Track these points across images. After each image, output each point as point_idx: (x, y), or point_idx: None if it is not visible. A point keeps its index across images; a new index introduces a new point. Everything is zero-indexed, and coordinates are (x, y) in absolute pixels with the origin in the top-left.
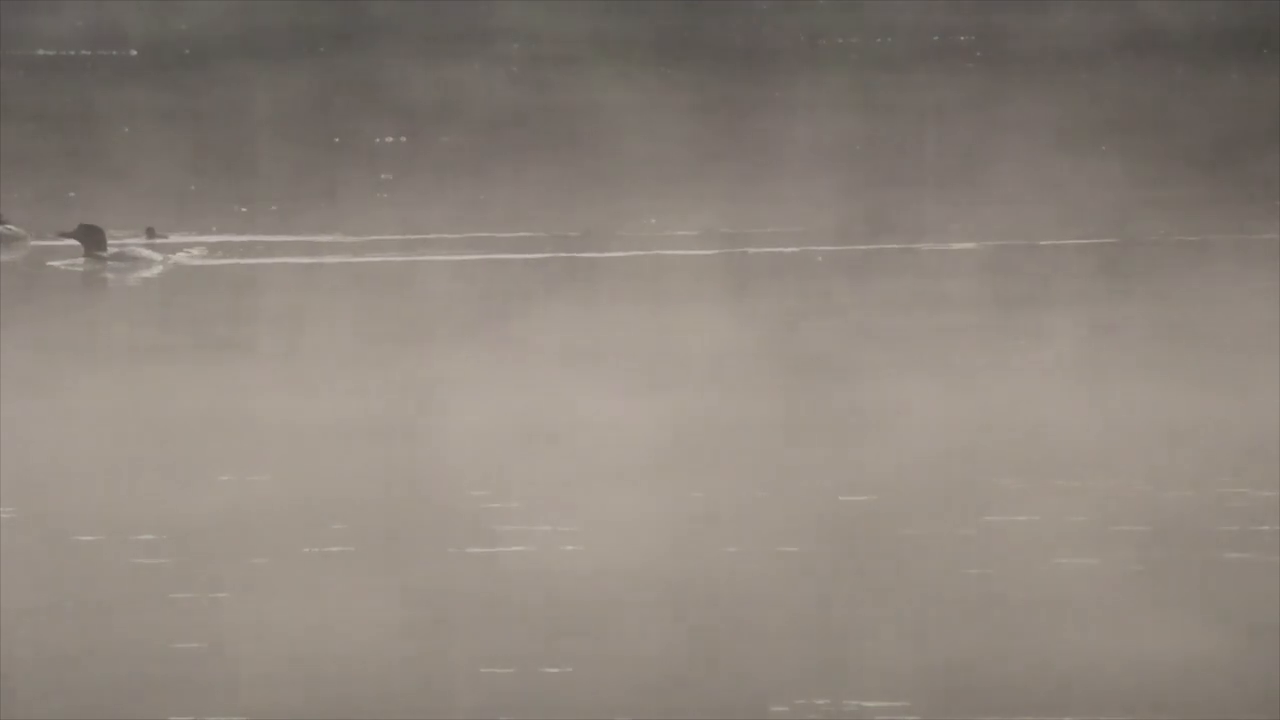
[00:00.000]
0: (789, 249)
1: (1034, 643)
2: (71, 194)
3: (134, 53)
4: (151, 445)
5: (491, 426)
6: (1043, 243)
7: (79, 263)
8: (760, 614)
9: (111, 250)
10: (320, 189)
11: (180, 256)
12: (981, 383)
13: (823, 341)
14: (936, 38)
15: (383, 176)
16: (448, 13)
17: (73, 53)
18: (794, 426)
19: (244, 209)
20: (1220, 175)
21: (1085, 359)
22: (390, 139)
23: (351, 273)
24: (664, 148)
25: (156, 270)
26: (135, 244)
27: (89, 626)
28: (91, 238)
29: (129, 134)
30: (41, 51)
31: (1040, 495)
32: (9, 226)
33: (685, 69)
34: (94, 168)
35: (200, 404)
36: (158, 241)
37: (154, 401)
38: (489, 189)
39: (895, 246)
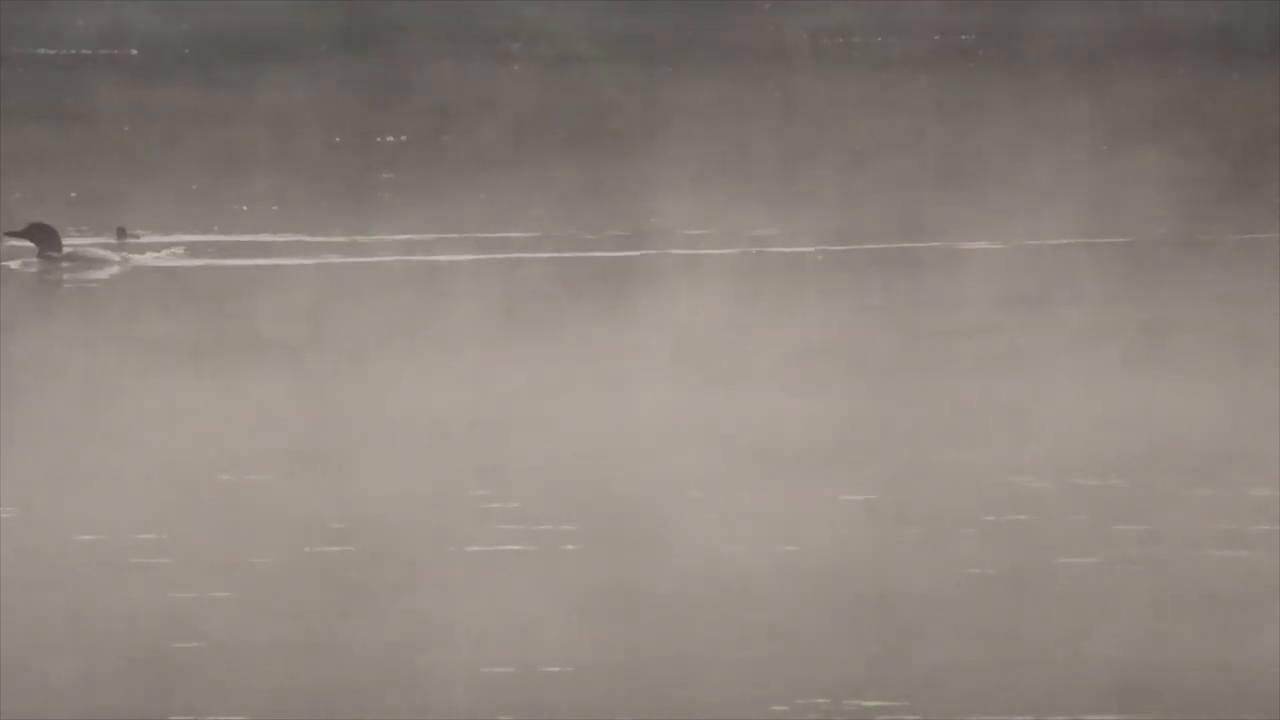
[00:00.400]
0: (807, 248)
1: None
2: (73, 194)
3: (134, 51)
4: (311, 442)
5: (627, 426)
6: (1073, 241)
7: (32, 263)
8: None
9: (66, 250)
10: (320, 189)
11: (144, 258)
12: (1088, 379)
13: (905, 338)
14: (938, 37)
15: (384, 175)
16: (450, 12)
17: (73, 51)
18: (931, 423)
19: (245, 208)
20: (1250, 173)
21: (1184, 357)
22: (391, 138)
23: (356, 272)
24: (678, 146)
25: (112, 271)
26: (90, 244)
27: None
28: (44, 237)
29: (129, 132)
30: (42, 50)
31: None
32: None
33: (691, 68)
34: (94, 166)
35: (316, 403)
36: (129, 241)
37: (278, 401)
38: (491, 187)
39: (921, 245)
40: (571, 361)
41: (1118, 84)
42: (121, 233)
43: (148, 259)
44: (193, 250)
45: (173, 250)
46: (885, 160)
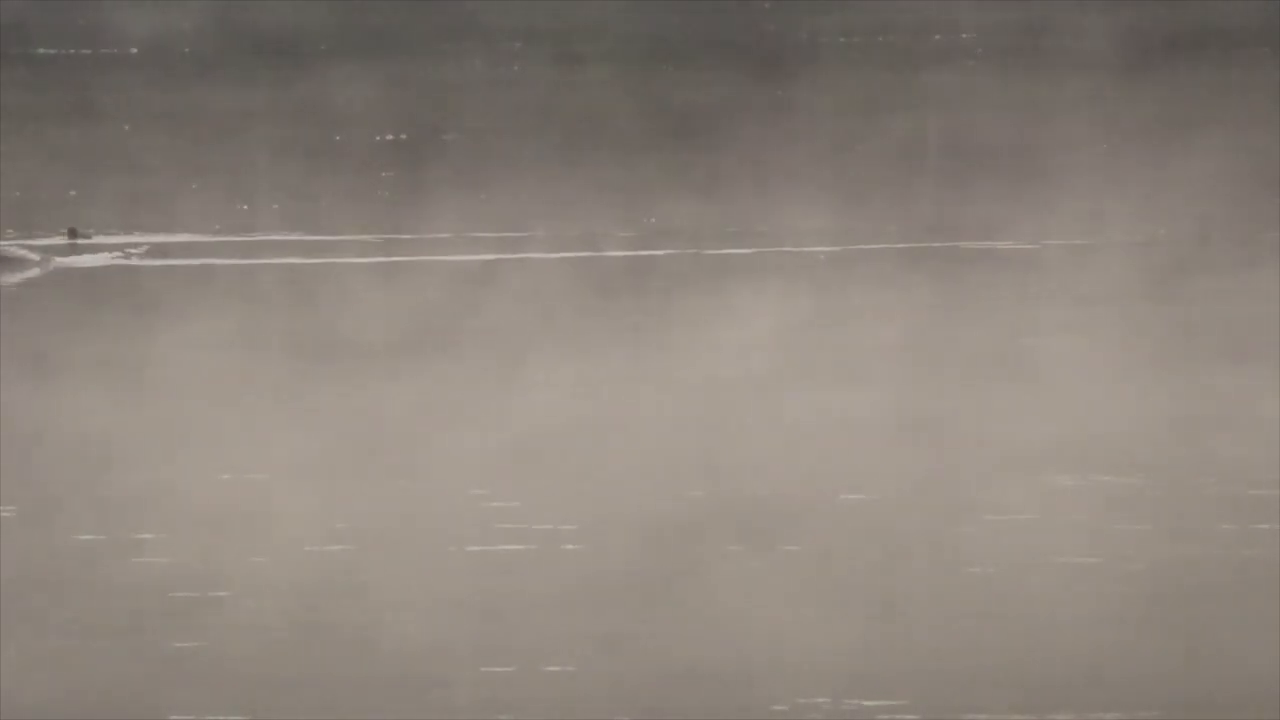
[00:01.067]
0: (830, 247)
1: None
2: (72, 192)
3: (134, 51)
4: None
5: (812, 420)
6: (1116, 240)
7: None
8: None
9: None
10: (318, 188)
11: (69, 259)
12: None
13: (996, 335)
14: (938, 36)
15: (383, 174)
16: (450, 12)
17: (73, 51)
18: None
19: (245, 206)
20: None
21: None
22: (391, 137)
23: (361, 272)
24: (732, 144)
25: (31, 274)
26: (9, 244)
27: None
28: None
29: (129, 132)
30: (42, 50)
31: None
32: None
33: (708, 68)
34: (95, 166)
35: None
36: (81, 242)
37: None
38: (489, 189)
39: (973, 244)
40: (716, 360)
41: (1125, 84)
42: (73, 233)
43: (74, 260)
44: (156, 250)
45: (128, 250)
46: (923, 158)
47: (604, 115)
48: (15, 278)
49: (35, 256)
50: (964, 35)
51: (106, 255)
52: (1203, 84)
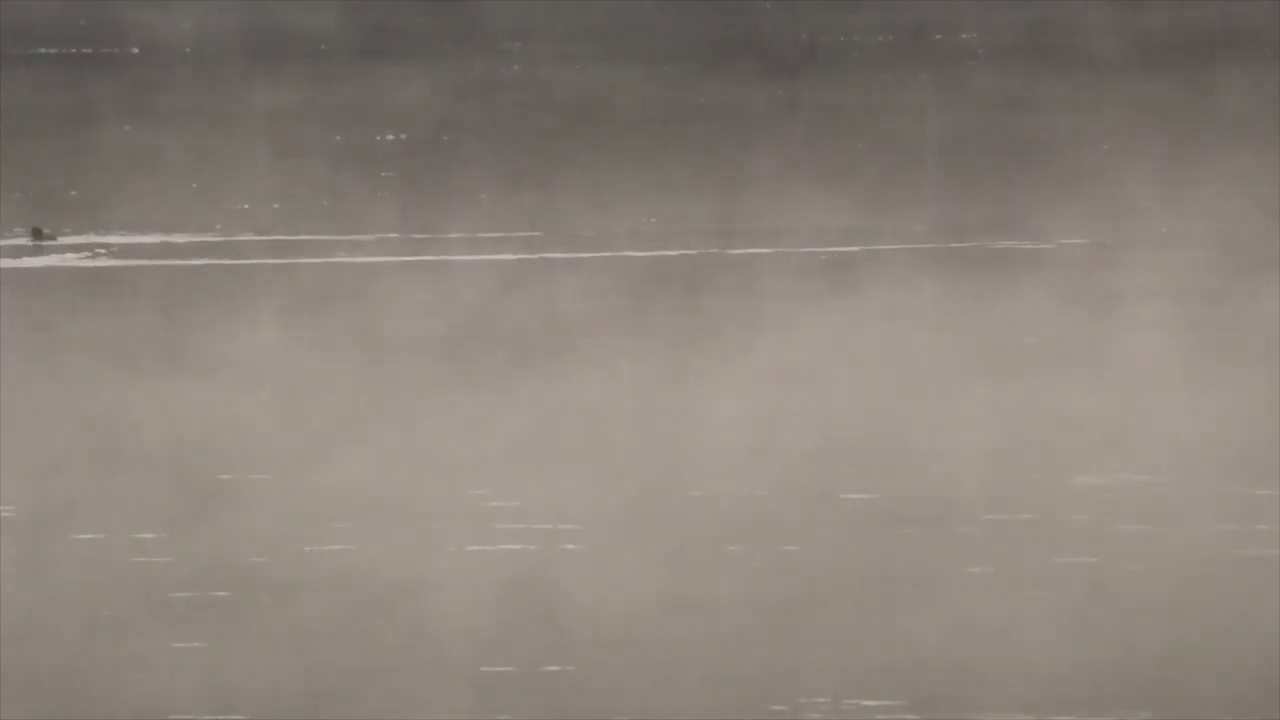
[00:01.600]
0: (842, 248)
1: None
2: (73, 193)
3: (135, 51)
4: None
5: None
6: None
7: None
8: None
9: None
10: (317, 188)
11: (11, 262)
12: None
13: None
14: (938, 35)
15: (383, 175)
16: (450, 13)
17: (73, 51)
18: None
19: (246, 206)
20: None
21: None
22: (391, 137)
23: (360, 272)
24: (753, 145)
25: None
26: None
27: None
28: None
29: (130, 132)
30: (43, 50)
31: None
32: None
33: (708, 69)
34: (95, 166)
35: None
36: (45, 244)
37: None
38: (490, 189)
39: (1014, 244)
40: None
41: (1127, 84)
42: (38, 234)
43: (22, 262)
44: (121, 252)
45: (94, 251)
46: (926, 158)
47: (605, 116)
48: None
49: None
50: (964, 35)
51: (58, 257)
52: (1205, 83)
